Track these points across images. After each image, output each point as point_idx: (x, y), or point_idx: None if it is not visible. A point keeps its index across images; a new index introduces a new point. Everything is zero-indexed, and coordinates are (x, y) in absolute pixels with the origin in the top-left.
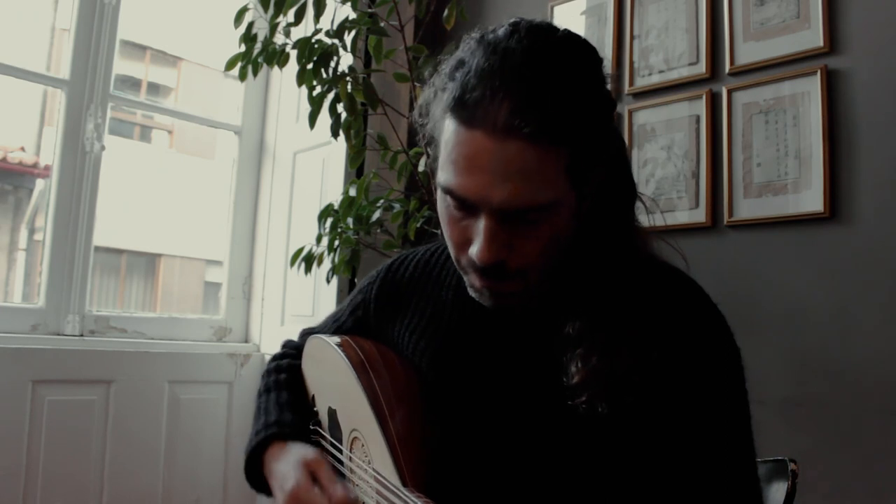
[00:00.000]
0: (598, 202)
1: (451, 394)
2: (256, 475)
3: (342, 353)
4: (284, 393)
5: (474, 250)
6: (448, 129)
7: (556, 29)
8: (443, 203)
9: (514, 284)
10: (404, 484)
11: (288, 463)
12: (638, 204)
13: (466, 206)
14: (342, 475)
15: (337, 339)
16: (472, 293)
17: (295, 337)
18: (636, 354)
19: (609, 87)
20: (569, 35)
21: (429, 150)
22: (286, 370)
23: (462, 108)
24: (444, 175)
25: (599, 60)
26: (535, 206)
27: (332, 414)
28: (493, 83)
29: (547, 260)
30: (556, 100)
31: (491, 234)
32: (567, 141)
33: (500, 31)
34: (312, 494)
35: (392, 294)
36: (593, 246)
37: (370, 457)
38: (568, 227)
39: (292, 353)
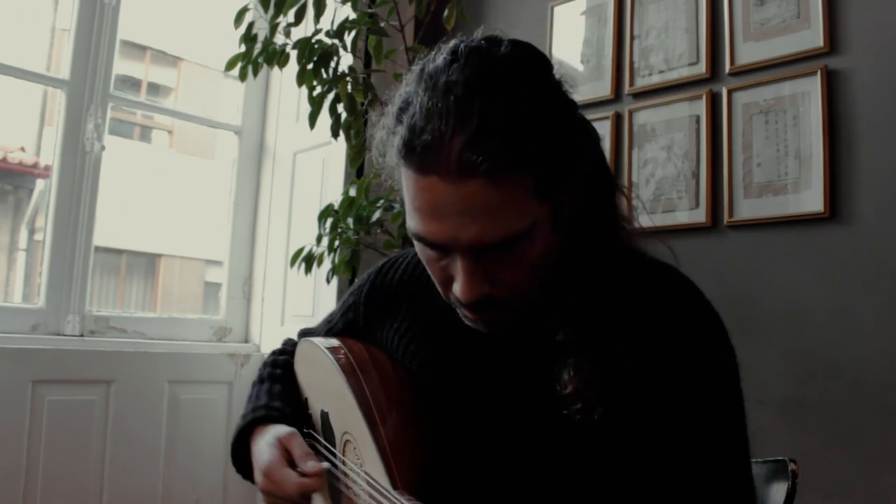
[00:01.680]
0: (576, 203)
1: (442, 398)
2: (243, 461)
3: (331, 357)
4: (277, 385)
5: (457, 290)
6: (405, 177)
7: (498, 45)
8: (418, 246)
9: (504, 312)
10: (395, 487)
11: (264, 441)
12: (636, 204)
13: (440, 249)
14: (335, 477)
15: (326, 342)
16: (468, 323)
17: (295, 336)
18: (628, 359)
19: (566, 87)
20: (512, 50)
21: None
22: (282, 366)
23: (413, 155)
24: (411, 222)
25: (549, 67)
26: (509, 238)
27: (324, 417)
28: (438, 124)
29: (534, 281)
30: (508, 127)
31: (469, 272)
32: (527, 166)
33: (440, 61)
34: (284, 471)
35: (382, 297)
36: (579, 249)
37: (362, 459)
38: (550, 241)
39: (291, 350)
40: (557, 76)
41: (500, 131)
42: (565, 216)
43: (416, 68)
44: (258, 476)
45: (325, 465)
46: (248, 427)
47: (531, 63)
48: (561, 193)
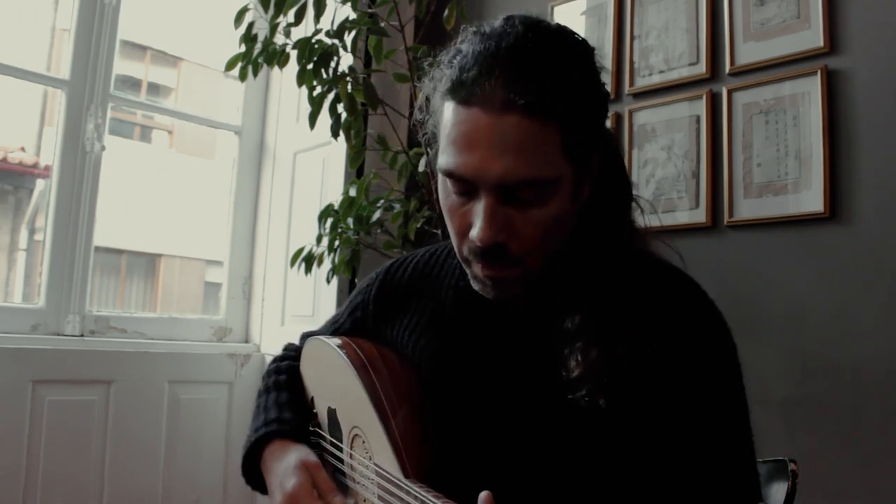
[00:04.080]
0: (595, 194)
1: (451, 390)
2: (253, 471)
3: (342, 353)
4: (284, 393)
5: (475, 232)
6: (447, 112)
7: (548, 21)
8: (444, 192)
9: (515, 270)
10: (406, 476)
11: (288, 463)
12: (642, 204)
13: (466, 188)
14: (342, 473)
15: (336, 339)
16: (475, 286)
17: (295, 338)
18: (635, 350)
19: (604, 78)
20: (561, 25)
21: (429, 149)
22: (286, 372)
23: (459, 88)
24: (444, 157)
25: (592, 50)
26: (533, 181)
27: (331, 414)
28: (488, 62)
29: (547, 244)
30: (550, 76)
31: (491, 212)
32: (561, 117)
33: (496, 23)
34: (311, 499)
35: (391, 295)
36: (591, 240)
37: (371, 453)
38: (568, 210)
39: (292, 354)
40: (599, 66)
41: (542, 78)
42: (585, 196)
43: (470, 28)
44: (280, 496)
45: (350, 501)
46: (261, 440)
47: (578, 41)
48: (583, 163)
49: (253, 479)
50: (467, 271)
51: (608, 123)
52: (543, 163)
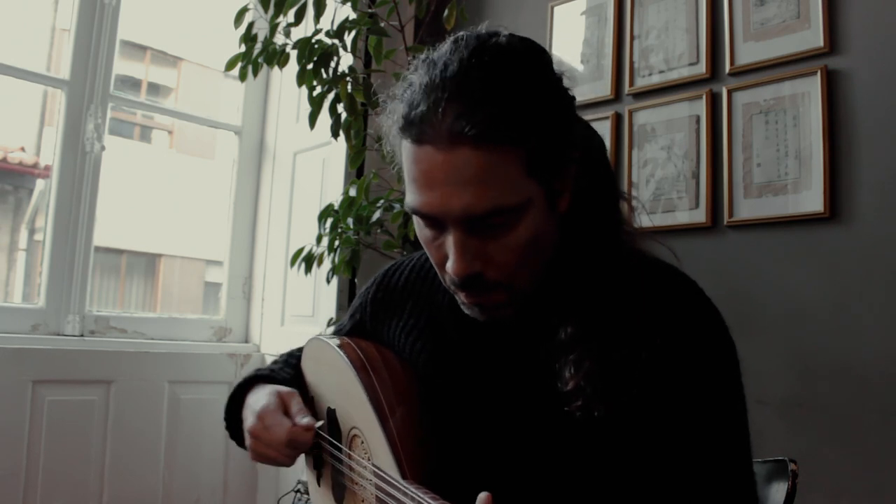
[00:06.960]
0: (577, 200)
1: (448, 394)
2: (236, 420)
3: (342, 354)
4: (288, 368)
5: (449, 265)
6: (404, 151)
7: (497, 34)
8: (417, 226)
9: (498, 295)
10: (404, 477)
11: (263, 391)
12: (635, 204)
13: (434, 224)
14: (340, 473)
15: (337, 340)
16: (465, 311)
17: (295, 339)
18: (630, 355)
19: (565, 83)
20: (510, 39)
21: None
22: (294, 366)
23: (410, 126)
24: (408, 196)
25: (548, 59)
26: (499, 209)
27: (330, 414)
28: (434, 95)
29: (528, 265)
30: (497, 101)
31: (461, 245)
32: (517, 140)
33: (444, 47)
34: (278, 416)
35: (388, 298)
36: (580, 246)
37: (370, 454)
38: (544, 228)
39: (298, 353)
40: (558, 71)
41: (490, 103)
42: (564, 207)
43: (421, 56)
44: (250, 419)
45: (320, 422)
46: (248, 383)
47: (528, 51)
48: (555, 178)
49: (237, 436)
50: (456, 297)
51: (608, 123)
52: (505, 190)
